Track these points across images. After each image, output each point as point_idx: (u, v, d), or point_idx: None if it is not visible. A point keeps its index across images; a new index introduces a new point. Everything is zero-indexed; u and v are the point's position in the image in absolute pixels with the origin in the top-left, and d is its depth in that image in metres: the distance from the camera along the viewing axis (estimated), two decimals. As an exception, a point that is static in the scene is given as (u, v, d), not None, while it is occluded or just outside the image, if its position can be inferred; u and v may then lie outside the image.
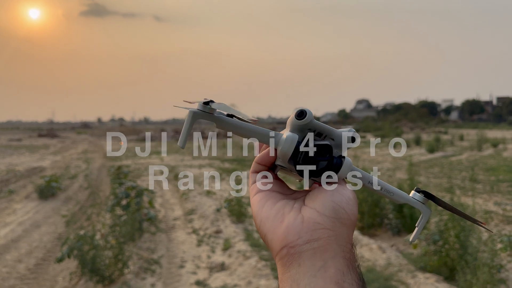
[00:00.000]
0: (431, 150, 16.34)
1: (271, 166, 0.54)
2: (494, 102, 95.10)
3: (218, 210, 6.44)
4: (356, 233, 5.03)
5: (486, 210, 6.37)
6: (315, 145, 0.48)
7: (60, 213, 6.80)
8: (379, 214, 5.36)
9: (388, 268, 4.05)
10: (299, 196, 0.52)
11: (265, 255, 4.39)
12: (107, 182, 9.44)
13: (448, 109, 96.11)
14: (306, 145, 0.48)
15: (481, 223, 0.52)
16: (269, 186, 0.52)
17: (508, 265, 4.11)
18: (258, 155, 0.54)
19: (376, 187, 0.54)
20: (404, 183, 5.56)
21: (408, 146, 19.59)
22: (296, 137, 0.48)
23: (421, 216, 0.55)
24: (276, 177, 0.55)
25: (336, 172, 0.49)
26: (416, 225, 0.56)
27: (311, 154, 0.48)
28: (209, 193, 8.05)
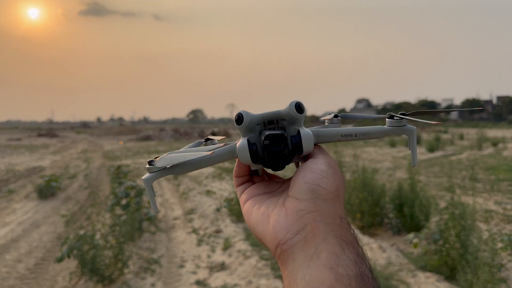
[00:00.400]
0: (431, 149, 16.33)
1: (251, 173, 0.55)
2: (494, 101, 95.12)
3: (218, 209, 6.44)
4: (356, 232, 5.01)
5: (487, 209, 6.36)
6: (266, 138, 0.48)
7: (59, 213, 6.80)
8: (379, 213, 5.35)
9: (388, 268, 4.05)
10: (286, 186, 0.51)
11: (265, 255, 4.38)
12: (106, 182, 9.43)
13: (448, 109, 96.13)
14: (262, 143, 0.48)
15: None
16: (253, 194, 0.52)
17: (509, 264, 4.10)
18: (234, 169, 0.54)
19: (349, 137, 0.51)
20: (404, 182, 5.55)
21: (408, 145, 19.56)
22: (245, 143, 0.48)
23: (408, 138, 0.52)
24: (260, 179, 0.55)
25: (300, 150, 0.48)
26: (409, 148, 0.53)
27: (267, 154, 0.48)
28: (209, 192, 8.04)
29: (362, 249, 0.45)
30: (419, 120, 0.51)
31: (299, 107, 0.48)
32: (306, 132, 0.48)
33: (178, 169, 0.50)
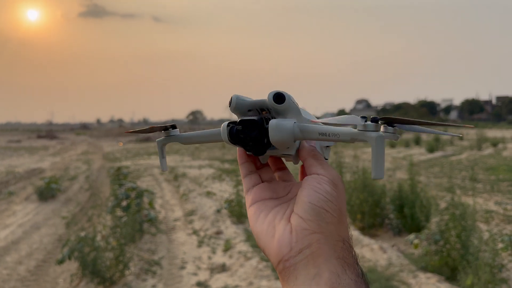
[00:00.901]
0: (431, 150, 16.35)
1: (258, 163, 0.55)
2: (494, 101, 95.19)
3: (218, 211, 6.44)
4: (356, 233, 5.02)
5: (487, 210, 6.37)
6: (239, 123, 0.49)
7: (60, 215, 6.80)
8: (379, 214, 5.35)
9: (389, 268, 4.05)
10: (294, 193, 0.51)
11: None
12: (107, 183, 9.43)
13: (448, 109, 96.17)
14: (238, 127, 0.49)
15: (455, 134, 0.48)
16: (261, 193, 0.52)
17: (509, 264, 4.10)
18: (238, 154, 0.55)
19: (324, 136, 0.47)
20: (404, 183, 5.55)
21: (407, 145, 19.60)
22: (225, 124, 0.50)
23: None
24: (269, 179, 0.55)
25: (263, 140, 0.48)
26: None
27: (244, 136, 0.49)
28: (209, 194, 8.04)
29: (362, 270, 0.47)
30: (438, 132, 0.49)
31: (277, 98, 0.47)
32: (278, 123, 0.47)
33: (184, 139, 0.57)
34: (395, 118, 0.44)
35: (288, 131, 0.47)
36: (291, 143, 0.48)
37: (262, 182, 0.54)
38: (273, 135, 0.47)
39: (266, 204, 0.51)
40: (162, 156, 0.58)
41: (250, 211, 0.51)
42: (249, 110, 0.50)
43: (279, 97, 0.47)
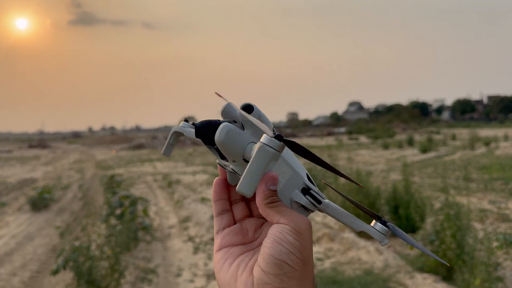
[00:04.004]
0: (424, 150, 16.44)
1: (231, 200, 0.53)
2: (485, 101, 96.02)
3: (213, 216, 6.41)
4: (352, 235, 5.02)
5: (481, 209, 6.40)
6: (198, 123, 0.50)
7: (53, 225, 6.73)
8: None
9: (386, 270, 4.05)
10: (264, 237, 0.49)
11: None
12: (100, 192, 9.37)
13: (440, 109, 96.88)
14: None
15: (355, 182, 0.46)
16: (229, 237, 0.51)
17: (505, 263, 4.12)
18: (212, 191, 0.54)
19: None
20: (399, 184, 5.57)
21: (401, 146, 19.69)
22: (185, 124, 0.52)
23: None
24: (242, 216, 0.53)
25: (209, 136, 0.48)
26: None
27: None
28: (203, 199, 8.01)
29: None
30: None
31: (245, 108, 0.48)
32: (231, 127, 0.46)
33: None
34: (290, 142, 0.43)
35: (239, 140, 0.46)
36: (238, 158, 0.46)
37: (234, 222, 0.52)
38: (219, 136, 0.45)
39: (232, 252, 0.49)
40: (170, 143, 0.54)
41: (216, 257, 0.50)
42: (234, 121, 0.50)
43: (247, 108, 0.48)
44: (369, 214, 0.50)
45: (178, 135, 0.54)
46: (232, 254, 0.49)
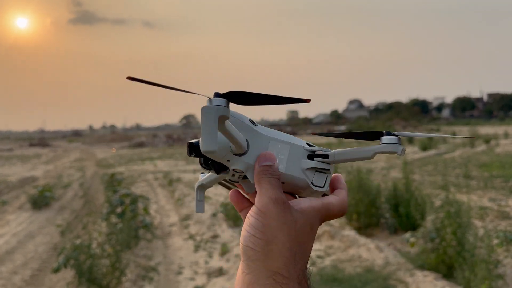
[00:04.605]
0: (424, 148, 16.45)
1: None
2: (485, 98, 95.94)
3: (214, 214, 6.42)
4: (353, 233, 5.03)
5: (481, 206, 6.40)
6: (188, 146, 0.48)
7: (54, 223, 6.74)
8: (375, 214, 5.37)
9: (386, 268, 4.05)
10: None
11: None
12: (101, 190, 9.38)
13: (440, 107, 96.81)
14: None
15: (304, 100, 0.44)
16: None
17: (505, 260, 4.13)
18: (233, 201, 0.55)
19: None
20: (399, 182, 5.57)
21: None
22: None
23: None
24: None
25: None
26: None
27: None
28: (204, 197, 8.01)
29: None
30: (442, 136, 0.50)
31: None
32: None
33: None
34: (229, 93, 0.42)
35: (221, 141, 0.45)
36: (230, 156, 0.46)
37: None
38: (201, 147, 0.43)
39: None
40: (198, 199, 0.56)
41: None
42: None
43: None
44: (369, 137, 0.51)
45: (202, 188, 0.56)
46: None
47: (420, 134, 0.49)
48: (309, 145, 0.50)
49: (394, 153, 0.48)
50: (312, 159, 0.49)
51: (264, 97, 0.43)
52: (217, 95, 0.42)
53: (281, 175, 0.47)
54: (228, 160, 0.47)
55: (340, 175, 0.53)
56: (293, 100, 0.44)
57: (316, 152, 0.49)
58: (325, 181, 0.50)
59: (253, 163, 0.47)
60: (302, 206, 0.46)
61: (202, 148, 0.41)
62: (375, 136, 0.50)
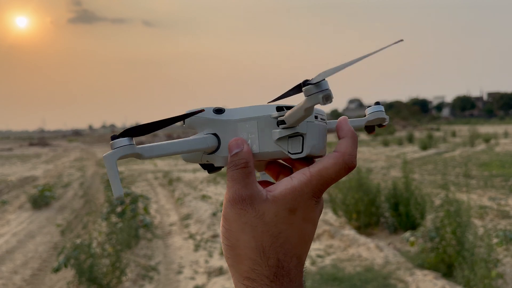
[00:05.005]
0: (424, 147, 16.44)
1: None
2: (485, 97, 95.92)
3: (214, 214, 6.42)
4: (353, 232, 5.03)
5: (481, 205, 6.41)
6: None
7: (54, 223, 6.75)
8: (375, 213, 5.37)
9: (386, 267, 4.06)
10: None
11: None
12: (101, 190, 9.38)
13: (440, 106, 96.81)
14: None
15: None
16: None
17: (505, 259, 4.14)
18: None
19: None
20: (399, 181, 5.57)
21: (401, 144, 19.70)
22: None
23: None
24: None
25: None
26: None
27: None
28: (204, 197, 8.03)
29: None
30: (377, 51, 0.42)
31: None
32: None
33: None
34: (131, 129, 0.41)
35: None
36: (205, 157, 0.46)
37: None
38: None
39: None
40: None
41: None
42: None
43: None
44: (294, 92, 0.43)
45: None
46: None
47: (341, 66, 0.41)
48: (281, 108, 0.45)
49: (317, 103, 0.40)
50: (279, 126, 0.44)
51: (159, 123, 0.42)
52: (113, 137, 0.41)
53: (257, 155, 0.44)
54: (208, 161, 0.46)
55: (345, 118, 0.47)
56: (188, 115, 0.43)
57: (279, 119, 0.44)
58: (302, 144, 0.44)
59: (226, 154, 0.45)
60: (275, 193, 0.41)
61: (114, 196, 0.41)
62: (298, 89, 0.44)
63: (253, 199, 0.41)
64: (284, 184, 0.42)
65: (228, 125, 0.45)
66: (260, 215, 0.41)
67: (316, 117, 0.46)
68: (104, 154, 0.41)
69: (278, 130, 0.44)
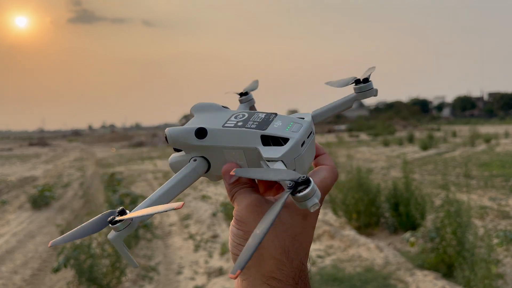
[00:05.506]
0: (425, 148, 16.42)
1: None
2: (485, 97, 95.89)
3: (214, 214, 6.42)
4: (353, 233, 5.03)
5: (481, 206, 6.40)
6: None
7: (54, 223, 6.74)
8: (375, 213, 5.36)
9: (386, 267, 4.05)
10: None
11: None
12: (101, 190, 9.37)
13: (440, 106, 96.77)
14: None
15: None
16: None
17: (505, 259, 4.13)
18: None
19: None
20: (399, 181, 5.57)
21: (401, 144, 19.69)
22: None
23: None
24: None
25: None
26: None
27: None
28: (204, 197, 8.02)
29: None
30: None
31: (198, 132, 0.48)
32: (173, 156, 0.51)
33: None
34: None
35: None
36: (202, 175, 0.50)
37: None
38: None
39: None
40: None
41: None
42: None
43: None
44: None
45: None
46: None
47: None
48: (266, 140, 0.45)
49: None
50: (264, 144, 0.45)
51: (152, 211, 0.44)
52: (113, 222, 0.44)
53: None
54: (206, 175, 0.50)
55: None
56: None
57: (264, 157, 0.44)
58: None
59: (220, 173, 0.48)
60: (289, 201, 0.43)
61: (132, 266, 0.45)
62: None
63: (268, 202, 0.44)
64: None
65: (213, 150, 0.47)
66: (278, 218, 0.42)
67: (302, 144, 0.46)
68: (110, 237, 0.44)
69: (264, 148, 0.45)
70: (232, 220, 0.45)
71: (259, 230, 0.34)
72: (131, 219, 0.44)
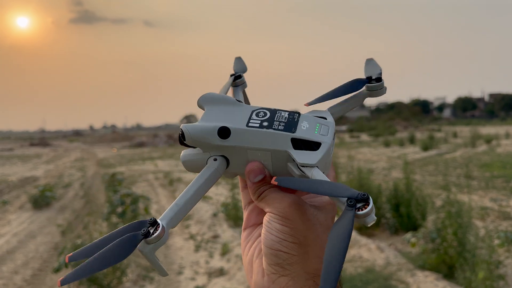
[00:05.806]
0: (425, 148, 16.41)
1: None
2: (486, 98, 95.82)
3: (215, 214, 6.42)
4: (354, 233, 5.03)
5: (482, 207, 6.40)
6: None
7: (55, 223, 6.75)
8: (376, 214, 5.36)
9: (387, 268, 4.05)
10: None
11: (264, 259, 4.37)
12: (101, 190, 9.38)
13: (441, 107, 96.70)
14: None
15: None
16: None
17: (506, 260, 4.12)
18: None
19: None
20: (400, 182, 5.57)
21: (402, 144, 19.68)
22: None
23: None
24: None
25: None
26: None
27: None
28: (205, 197, 8.02)
29: None
30: None
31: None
32: (185, 153, 0.49)
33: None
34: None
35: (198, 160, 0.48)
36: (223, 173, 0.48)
37: None
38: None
39: (254, 233, 0.49)
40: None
41: (242, 237, 0.51)
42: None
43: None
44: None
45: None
46: (253, 236, 0.49)
47: None
48: (297, 144, 0.44)
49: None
50: (294, 162, 0.44)
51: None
52: (146, 235, 0.43)
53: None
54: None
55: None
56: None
57: (299, 162, 0.43)
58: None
59: (241, 171, 0.47)
60: (317, 202, 0.46)
61: (162, 275, 0.44)
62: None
63: (307, 205, 0.44)
64: (320, 197, 0.47)
65: (236, 150, 0.46)
66: (315, 215, 0.44)
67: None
68: (144, 250, 0.43)
69: (297, 171, 0.44)
70: (269, 216, 0.44)
71: (333, 249, 0.34)
72: (164, 229, 0.42)
